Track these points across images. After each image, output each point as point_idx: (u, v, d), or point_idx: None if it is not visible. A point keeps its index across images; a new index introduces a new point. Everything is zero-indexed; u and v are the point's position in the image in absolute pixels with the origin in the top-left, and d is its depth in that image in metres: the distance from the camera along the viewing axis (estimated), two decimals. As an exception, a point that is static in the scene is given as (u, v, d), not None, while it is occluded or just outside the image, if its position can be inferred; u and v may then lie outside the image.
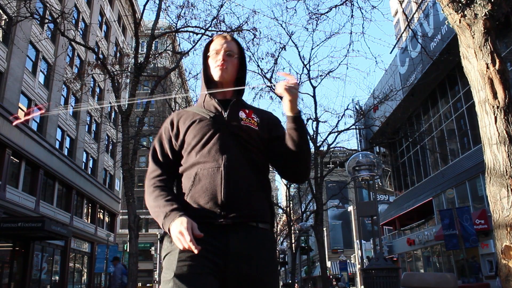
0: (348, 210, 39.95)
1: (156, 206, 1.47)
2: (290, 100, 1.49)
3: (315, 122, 16.10)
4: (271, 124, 1.68)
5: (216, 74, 1.64)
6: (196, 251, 1.30)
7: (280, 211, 35.97)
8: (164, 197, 1.47)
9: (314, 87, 15.90)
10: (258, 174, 1.55)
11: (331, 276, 30.60)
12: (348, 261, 35.78)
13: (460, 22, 3.12)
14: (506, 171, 2.74)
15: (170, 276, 1.34)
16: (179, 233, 1.33)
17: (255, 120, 1.63)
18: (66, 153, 21.98)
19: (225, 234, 1.43)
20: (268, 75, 15.15)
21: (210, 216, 1.44)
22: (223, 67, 1.62)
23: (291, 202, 27.17)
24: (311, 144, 17.49)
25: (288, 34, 18.29)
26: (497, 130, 2.83)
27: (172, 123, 1.64)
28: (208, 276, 1.35)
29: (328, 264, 30.31)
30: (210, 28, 12.19)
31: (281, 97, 1.53)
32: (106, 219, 29.13)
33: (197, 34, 12.56)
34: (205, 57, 1.69)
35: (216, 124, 1.56)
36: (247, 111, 1.65)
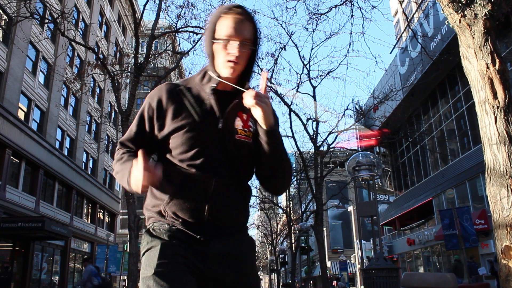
0: (348, 210, 39.94)
1: (122, 169, 1.42)
2: (261, 114, 1.31)
3: (315, 122, 16.11)
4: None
5: (224, 70, 1.40)
6: (156, 177, 1.28)
7: (280, 211, 35.98)
8: (131, 159, 1.39)
9: (314, 87, 15.90)
10: (243, 192, 1.47)
11: (331, 276, 30.61)
12: (348, 261, 35.77)
13: (460, 22, 3.12)
14: (506, 171, 2.74)
15: (150, 273, 1.29)
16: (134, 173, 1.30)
17: (251, 129, 1.45)
18: (66, 153, 21.98)
19: (205, 244, 1.39)
20: (268, 75, 15.15)
21: (192, 231, 1.38)
22: (236, 64, 1.38)
23: (291, 202, 27.18)
24: (311, 144, 17.51)
25: (288, 34, 18.29)
26: (497, 130, 2.83)
27: (160, 105, 1.42)
28: (187, 275, 1.31)
29: (328, 264, 30.31)
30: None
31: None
32: (106, 219, 29.14)
33: (197, 34, 12.56)
34: (212, 33, 1.40)
35: (208, 131, 1.39)
36: (245, 117, 1.45)
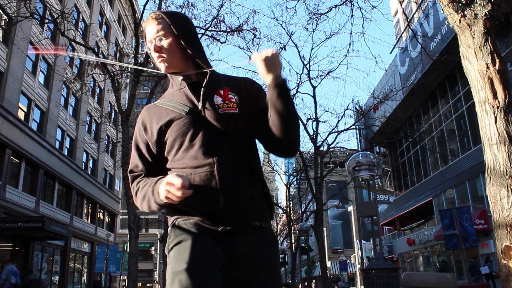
0: (348, 210, 39.93)
1: (146, 193, 1.43)
2: (265, 66, 1.35)
3: (315, 122, 16.12)
4: (252, 95, 1.50)
5: (161, 67, 1.48)
6: (188, 193, 1.26)
7: (280, 211, 35.97)
8: (151, 183, 1.43)
9: (314, 87, 15.91)
10: (249, 168, 1.44)
11: (331, 276, 30.60)
12: (348, 261, 35.77)
13: (460, 22, 3.12)
14: (506, 171, 2.74)
15: (182, 267, 1.26)
16: (167, 184, 1.28)
17: (234, 100, 1.45)
18: (66, 153, 21.98)
19: (232, 237, 1.37)
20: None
21: (212, 223, 1.37)
22: (161, 57, 1.45)
23: (291, 202, 27.18)
24: (311, 144, 17.52)
25: (288, 34, 18.31)
26: (497, 130, 2.83)
27: (144, 125, 1.50)
28: (217, 273, 1.30)
29: (328, 264, 30.31)
30: (210, 28, 12.19)
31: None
32: (106, 219, 29.14)
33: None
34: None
35: (194, 122, 1.41)
36: (222, 92, 1.46)
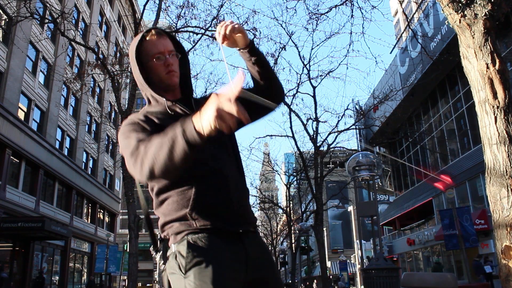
0: (348, 210, 39.91)
1: (163, 138, 1.21)
2: (239, 36, 1.47)
3: (315, 122, 16.11)
4: None
5: (169, 80, 1.51)
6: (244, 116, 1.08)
7: (280, 211, 35.97)
8: (169, 128, 1.23)
9: (314, 87, 15.90)
10: (242, 177, 1.54)
11: (331, 277, 30.60)
12: (348, 261, 35.77)
13: (460, 22, 3.12)
14: (506, 171, 2.74)
15: None
16: (216, 96, 1.10)
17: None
18: (66, 153, 21.98)
19: (241, 241, 1.43)
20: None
21: (231, 225, 1.42)
22: (174, 72, 1.51)
23: (291, 202, 27.17)
24: (311, 144, 17.51)
25: (288, 34, 18.27)
26: (497, 130, 2.83)
27: (147, 120, 1.44)
28: None
29: (328, 264, 30.30)
30: (210, 28, 12.18)
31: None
32: (106, 219, 29.14)
33: (197, 34, 12.55)
34: (139, 56, 1.50)
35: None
36: None
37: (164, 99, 1.49)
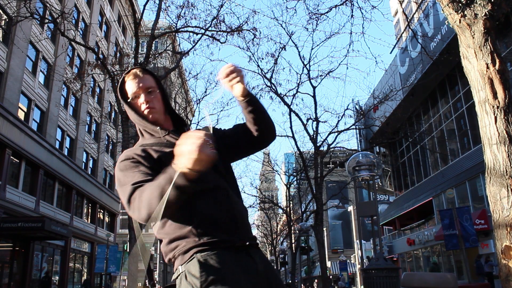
0: (348, 210, 39.94)
1: (157, 182, 1.30)
2: (239, 86, 1.52)
3: (315, 122, 16.11)
4: (217, 134, 1.66)
5: (148, 116, 1.57)
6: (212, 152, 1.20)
7: (280, 211, 35.98)
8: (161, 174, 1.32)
9: (314, 87, 15.91)
10: (239, 198, 1.58)
11: (331, 277, 30.61)
12: (348, 261, 35.78)
13: (460, 22, 3.12)
14: (506, 171, 2.74)
15: None
16: (190, 143, 1.18)
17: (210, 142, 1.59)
18: (66, 153, 21.98)
19: (249, 255, 1.45)
20: (268, 75, 15.15)
21: (237, 238, 1.43)
22: (151, 108, 1.56)
23: (291, 202, 27.17)
24: (311, 144, 17.52)
25: (288, 34, 18.29)
26: (497, 130, 2.83)
27: (145, 155, 1.48)
28: None
29: (328, 264, 30.30)
30: (210, 28, 12.19)
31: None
32: (106, 219, 29.14)
33: (197, 34, 12.56)
34: (124, 98, 1.60)
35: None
36: None
37: (158, 127, 1.57)
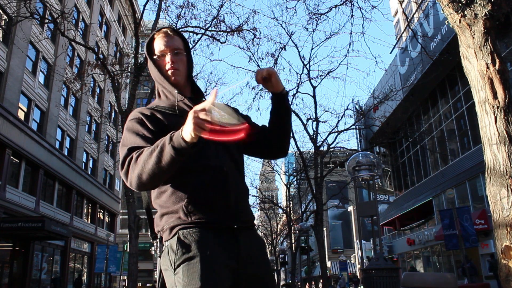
0: (348, 210, 39.95)
1: (153, 149, 1.27)
2: (275, 80, 1.57)
3: (315, 122, 16.10)
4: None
5: (171, 77, 1.57)
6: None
7: (280, 211, 35.97)
8: (158, 141, 1.29)
9: (314, 87, 15.90)
10: (242, 179, 1.58)
11: (331, 277, 30.60)
12: (348, 261, 35.78)
13: (460, 22, 3.12)
14: (506, 171, 2.74)
15: (196, 286, 1.29)
16: (194, 112, 1.16)
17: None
18: (66, 153, 21.98)
19: (235, 238, 1.44)
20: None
21: (226, 220, 1.43)
22: (176, 70, 1.56)
23: (291, 202, 27.17)
24: (311, 144, 17.53)
25: (288, 34, 18.28)
26: (497, 130, 2.83)
27: (152, 116, 1.48)
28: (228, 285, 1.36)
29: (328, 264, 30.30)
30: (210, 28, 12.18)
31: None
32: (106, 219, 29.14)
33: (197, 34, 12.54)
34: (151, 55, 1.60)
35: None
36: None
37: (176, 91, 1.55)
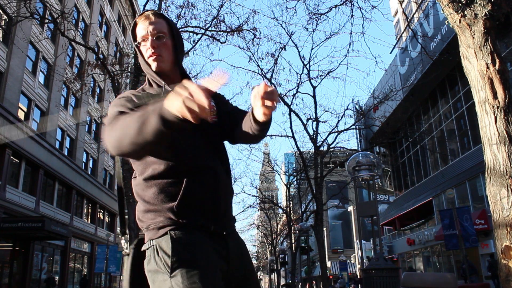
0: (348, 210, 39.95)
1: (139, 114, 1.15)
2: (268, 112, 1.30)
3: (315, 122, 16.10)
4: (221, 103, 1.57)
5: (152, 65, 1.43)
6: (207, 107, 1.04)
7: (280, 211, 35.96)
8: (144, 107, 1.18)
9: (314, 87, 15.89)
10: (229, 177, 1.50)
11: (331, 276, 30.61)
12: (348, 261, 35.77)
13: (460, 22, 3.12)
14: (506, 171, 2.74)
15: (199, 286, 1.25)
16: (185, 92, 1.04)
17: (214, 109, 1.50)
18: (66, 153, 21.98)
19: (225, 240, 1.43)
20: (268, 75, 15.14)
21: (216, 225, 1.40)
22: (157, 56, 1.42)
23: (291, 202, 27.16)
24: (311, 144, 17.52)
25: (288, 34, 18.25)
26: (497, 130, 2.83)
27: (141, 96, 1.40)
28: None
29: (328, 264, 30.31)
30: (210, 28, 12.18)
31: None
32: (106, 219, 29.14)
33: (197, 34, 12.54)
34: (135, 40, 1.48)
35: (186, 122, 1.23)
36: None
37: (164, 82, 1.44)
